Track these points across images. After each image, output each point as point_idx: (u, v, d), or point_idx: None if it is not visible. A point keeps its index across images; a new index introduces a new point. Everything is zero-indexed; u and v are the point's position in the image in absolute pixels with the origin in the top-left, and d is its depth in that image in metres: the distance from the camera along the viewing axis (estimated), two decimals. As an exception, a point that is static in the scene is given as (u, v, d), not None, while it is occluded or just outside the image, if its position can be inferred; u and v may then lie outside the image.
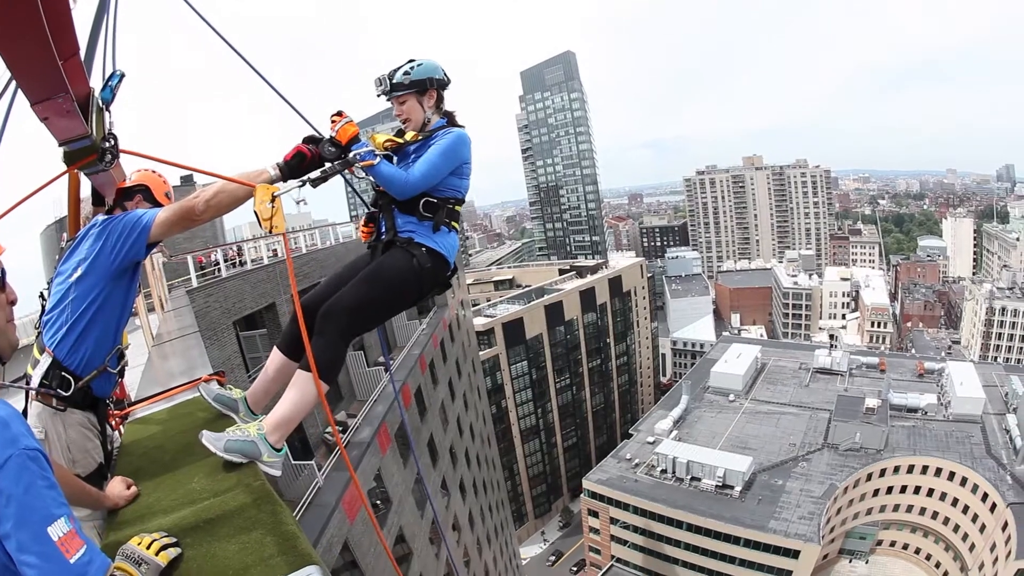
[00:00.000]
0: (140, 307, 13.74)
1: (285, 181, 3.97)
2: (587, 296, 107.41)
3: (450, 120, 4.80)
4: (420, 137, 4.63)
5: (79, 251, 3.91)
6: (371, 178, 4.28)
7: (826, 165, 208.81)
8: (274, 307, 22.90)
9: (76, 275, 3.81)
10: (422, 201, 4.48)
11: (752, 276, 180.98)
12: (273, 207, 3.65)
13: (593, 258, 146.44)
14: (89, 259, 3.82)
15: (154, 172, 4.54)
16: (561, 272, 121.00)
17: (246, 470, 3.55)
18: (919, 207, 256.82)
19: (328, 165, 4.06)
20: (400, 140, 4.61)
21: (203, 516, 3.03)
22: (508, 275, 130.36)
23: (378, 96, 4.69)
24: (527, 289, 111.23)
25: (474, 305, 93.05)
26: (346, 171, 4.13)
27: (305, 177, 4.05)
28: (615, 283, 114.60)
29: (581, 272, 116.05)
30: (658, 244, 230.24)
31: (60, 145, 3.45)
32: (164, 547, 2.66)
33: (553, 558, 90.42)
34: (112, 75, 3.65)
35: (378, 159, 4.16)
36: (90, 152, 3.51)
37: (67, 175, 3.99)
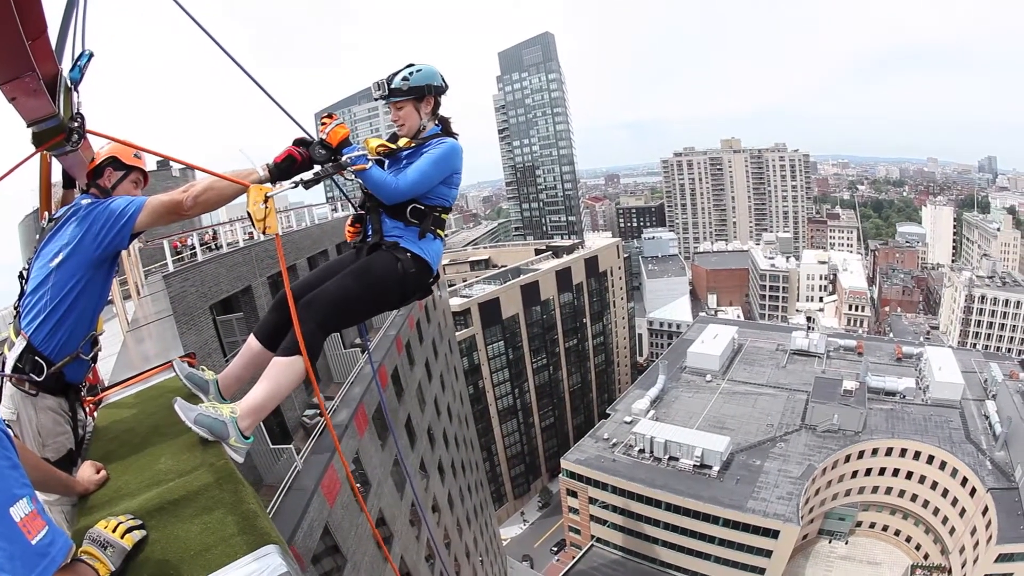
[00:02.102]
0: (116, 294, 13.62)
1: (274, 183, 3.99)
2: (563, 276, 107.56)
3: (445, 127, 4.84)
4: (413, 144, 4.66)
5: (62, 235, 3.87)
6: (360, 181, 4.32)
7: (805, 149, 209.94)
8: (250, 290, 22.83)
9: (57, 260, 3.79)
10: (410, 207, 4.52)
11: (729, 257, 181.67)
12: (266, 208, 3.65)
13: (569, 238, 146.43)
14: (71, 244, 3.80)
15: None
16: (537, 252, 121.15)
17: (211, 450, 3.54)
18: (898, 194, 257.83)
19: (320, 168, 4.07)
20: (393, 146, 4.62)
21: (168, 497, 3.05)
22: (484, 255, 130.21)
23: (375, 100, 4.71)
24: (503, 269, 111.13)
25: (450, 285, 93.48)
26: (337, 174, 4.13)
27: (298, 179, 4.07)
28: (591, 263, 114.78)
29: (557, 252, 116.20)
30: (635, 225, 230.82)
31: (28, 126, 3.43)
32: (130, 529, 2.69)
33: (527, 564, 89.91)
34: (81, 55, 3.61)
35: (370, 164, 4.19)
36: (58, 132, 3.50)
37: (39, 158, 3.96)
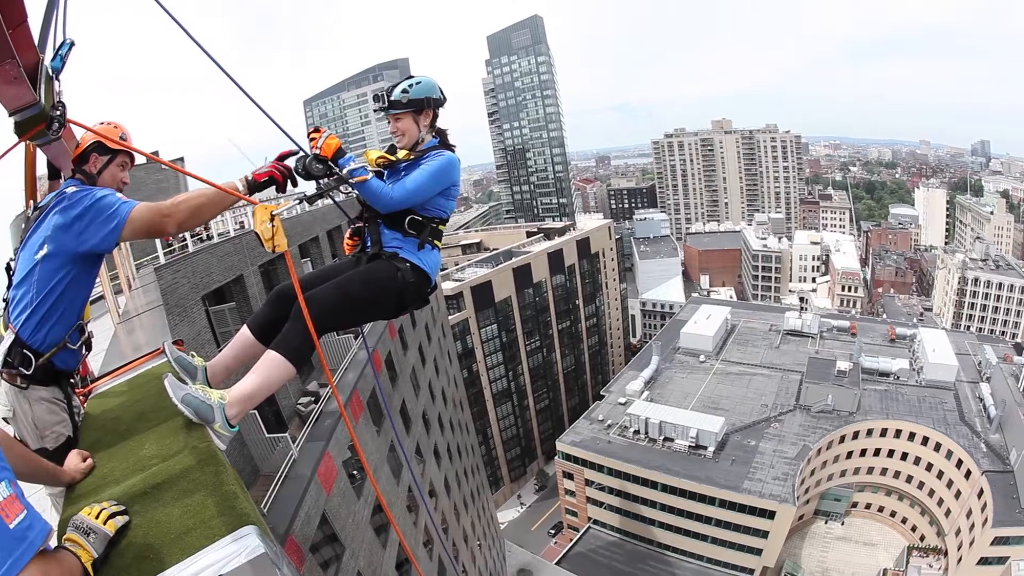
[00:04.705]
0: (106, 288, 13.56)
1: (251, 194, 4.06)
2: (555, 258, 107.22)
3: (442, 140, 4.90)
4: (412, 156, 4.72)
5: (46, 225, 3.85)
6: (355, 192, 4.38)
7: (797, 131, 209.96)
8: (242, 279, 22.76)
9: (42, 253, 3.79)
10: (408, 218, 4.59)
11: (721, 238, 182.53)
12: (273, 227, 3.73)
13: (561, 220, 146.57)
14: (55, 237, 3.78)
15: (105, 123, 4.39)
16: (529, 235, 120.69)
17: (194, 432, 3.56)
18: (891, 176, 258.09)
19: (323, 183, 4.17)
20: (392, 157, 4.70)
21: (151, 482, 3.09)
22: (476, 239, 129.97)
23: (375, 111, 4.80)
24: (495, 252, 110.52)
25: (442, 269, 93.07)
26: (337, 188, 4.23)
27: (300, 195, 4.25)
28: (583, 245, 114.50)
29: (549, 234, 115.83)
30: (626, 206, 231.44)
31: (11, 115, 3.43)
32: (113, 515, 2.72)
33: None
34: (62, 44, 3.62)
35: (369, 175, 4.25)
36: (39, 120, 3.50)
37: (24, 149, 3.95)
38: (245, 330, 4.45)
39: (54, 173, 4.48)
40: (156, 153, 36.25)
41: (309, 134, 4.21)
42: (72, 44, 3.62)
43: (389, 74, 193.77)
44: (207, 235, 24.06)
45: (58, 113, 3.58)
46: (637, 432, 72.52)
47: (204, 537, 2.56)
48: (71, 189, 3.88)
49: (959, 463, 64.33)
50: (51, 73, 3.53)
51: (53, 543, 2.40)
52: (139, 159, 4.67)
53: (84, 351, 4.40)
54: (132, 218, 3.79)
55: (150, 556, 2.56)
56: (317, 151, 4.10)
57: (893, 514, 74.20)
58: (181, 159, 43.36)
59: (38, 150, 4.18)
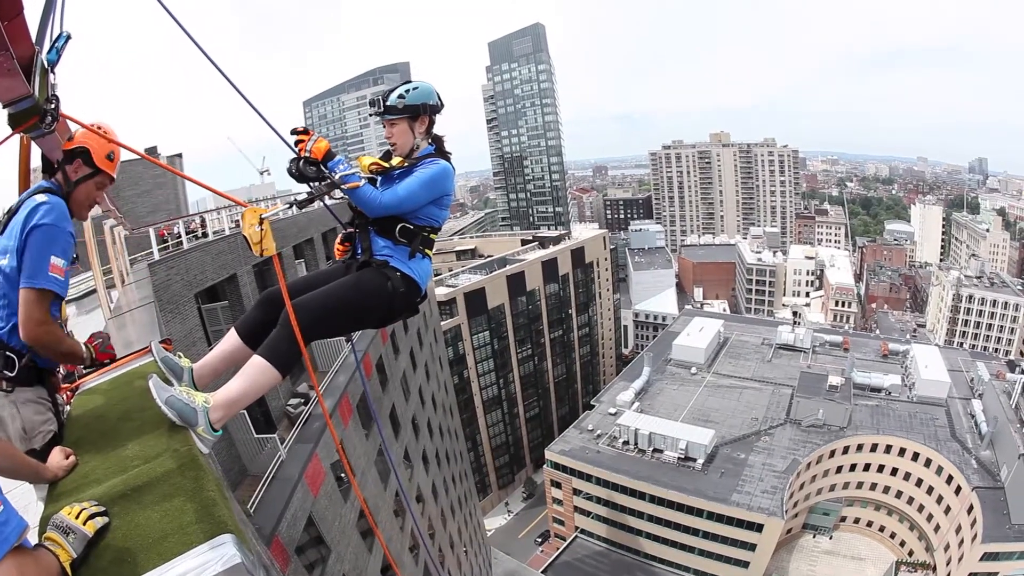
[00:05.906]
0: (98, 282, 13.50)
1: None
2: (549, 267, 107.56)
3: (438, 147, 4.85)
4: (407, 163, 4.66)
5: (9, 232, 3.80)
6: (346, 197, 4.30)
7: (794, 145, 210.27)
8: (235, 278, 22.71)
9: (4, 262, 3.74)
10: (399, 227, 4.54)
11: (716, 251, 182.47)
12: (262, 231, 3.70)
13: (556, 229, 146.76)
14: (13, 250, 3.73)
15: (99, 129, 4.27)
16: (524, 242, 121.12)
17: (177, 435, 3.51)
18: (887, 192, 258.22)
19: (314, 187, 4.11)
20: (386, 164, 4.64)
21: (131, 484, 3.06)
22: (470, 245, 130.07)
23: (370, 115, 4.77)
24: (489, 259, 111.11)
25: (436, 275, 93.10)
26: (329, 193, 4.20)
27: (292, 199, 4.21)
28: (578, 254, 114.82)
29: (544, 243, 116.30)
30: (622, 216, 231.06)
31: (4, 107, 3.38)
32: (92, 516, 2.69)
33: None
34: (59, 37, 3.57)
35: (362, 182, 4.22)
36: (33, 113, 3.45)
37: (19, 142, 3.92)
38: (233, 333, 4.41)
39: (48, 166, 4.40)
40: (154, 148, 36.22)
41: (296, 131, 4.15)
42: (69, 37, 3.58)
43: (390, 77, 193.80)
44: (202, 233, 23.99)
45: (52, 107, 3.54)
46: (626, 443, 72.45)
47: (181, 543, 2.54)
48: (40, 198, 3.80)
49: (949, 479, 64.44)
50: (46, 66, 3.48)
51: (34, 540, 2.39)
52: (131, 156, 4.63)
53: None
54: (27, 307, 3.67)
55: (127, 560, 2.55)
56: (307, 154, 4.04)
57: (882, 529, 74.18)
58: (179, 155, 43.33)
59: (32, 143, 4.10)
